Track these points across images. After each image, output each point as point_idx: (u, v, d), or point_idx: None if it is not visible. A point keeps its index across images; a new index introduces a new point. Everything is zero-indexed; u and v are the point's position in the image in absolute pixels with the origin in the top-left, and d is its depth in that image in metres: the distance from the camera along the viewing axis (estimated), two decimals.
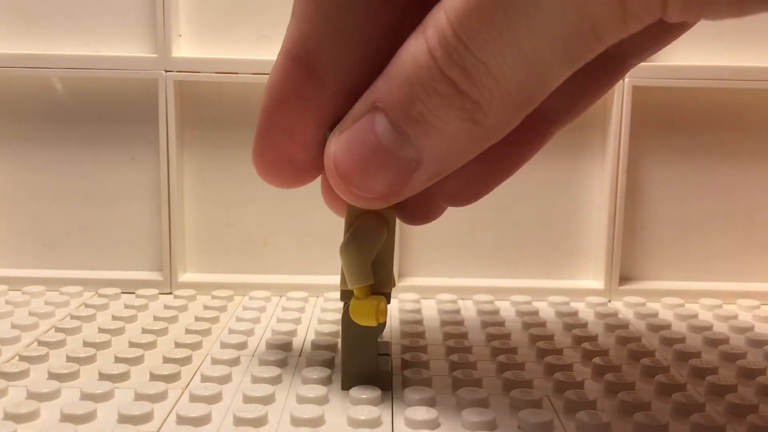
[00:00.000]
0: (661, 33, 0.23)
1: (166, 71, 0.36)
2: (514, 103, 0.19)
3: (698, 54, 0.38)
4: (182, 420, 0.23)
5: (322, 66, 0.22)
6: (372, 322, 0.24)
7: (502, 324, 0.33)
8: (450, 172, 0.21)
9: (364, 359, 0.25)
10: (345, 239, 0.24)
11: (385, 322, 0.25)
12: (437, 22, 0.18)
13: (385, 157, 0.20)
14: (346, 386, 0.25)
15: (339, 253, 0.24)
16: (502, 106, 0.19)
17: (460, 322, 0.33)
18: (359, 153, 0.21)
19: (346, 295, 0.25)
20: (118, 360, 0.28)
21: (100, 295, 0.36)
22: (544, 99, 0.19)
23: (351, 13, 0.21)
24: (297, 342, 0.30)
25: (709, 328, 0.33)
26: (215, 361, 0.28)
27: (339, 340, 0.28)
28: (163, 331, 0.31)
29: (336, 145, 0.21)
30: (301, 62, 0.22)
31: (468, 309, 0.36)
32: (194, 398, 0.24)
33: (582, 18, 0.17)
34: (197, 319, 0.33)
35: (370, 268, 0.24)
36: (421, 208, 0.26)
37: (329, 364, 0.27)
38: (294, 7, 0.22)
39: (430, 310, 0.35)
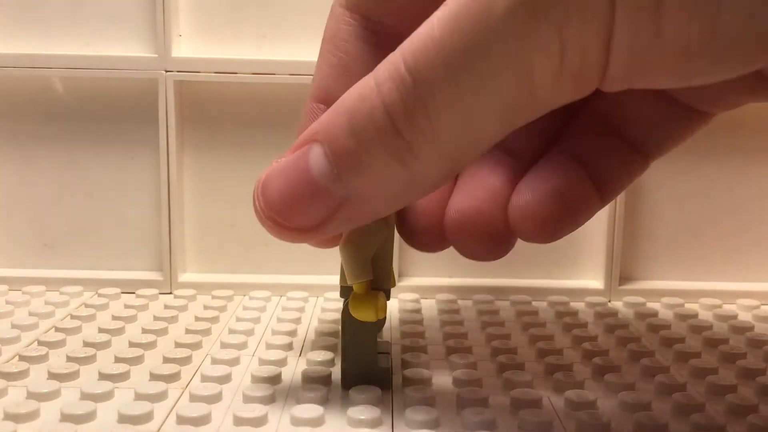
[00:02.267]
0: (677, 126, 0.25)
1: (166, 71, 0.36)
2: (443, 154, 0.19)
3: None
4: (182, 420, 0.23)
5: (371, 10, 0.23)
6: (371, 318, 0.24)
7: (502, 324, 0.33)
8: (373, 218, 0.21)
9: (364, 357, 0.25)
10: (345, 236, 0.24)
11: (384, 319, 0.25)
12: (391, 60, 0.19)
13: (311, 188, 0.20)
14: (346, 385, 0.25)
15: (339, 249, 0.24)
16: (431, 153, 0.19)
17: (460, 322, 0.33)
18: (288, 181, 0.21)
19: (345, 292, 0.25)
20: (118, 360, 0.28)
21: (100, 295, 0.36)
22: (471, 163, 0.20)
23: (365, 61, 0.23)
24: (297, 342, 0.30)
25: (709, 328, 0.33)
26: (215, 361, 0.28)
27: (339, 339, 0.28)
28: (163, 331, 0.31)
29: (269, 170, 0.21)
30: (323, 102, 0.23)
31: (468, 309, 0.36)
32: (194, 398, 0.24)
33: (521, 70, 0.17)
34: (197, 319, 0.33)
35: (370, 263, 0.24)
36: (433, 239, 0.26)
37: (329, 364, 0.28)
38: (318, 59, 0.24)
39: (430, 310, 0.35)
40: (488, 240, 0.24)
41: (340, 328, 0.26)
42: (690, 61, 0.17)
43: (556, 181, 0.23)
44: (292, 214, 0.21)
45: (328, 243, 0.24)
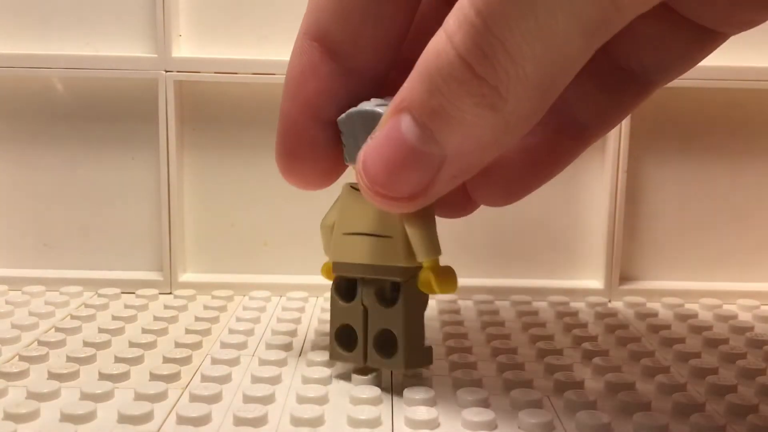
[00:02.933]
0: (683, 49, 0.23)
1: (166, 71, 0.36)
2: (533, 87, 0.18)
3: None
4: (182, 420, 0.23)
5: (336, 43, 0.22)
6: (455, 288, 0.25)
7: (502, 324, 0.33)
8: (476, 170, 0.21)
9: (420, 337, 0.25)
10: (417, 211, 0.23)
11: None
12: (458, 8, 0.18)
13: (410, 154, 0.20)
14: (413, 364, 0.25)
15: (410, 224, 0.24)
16: (521, 90, 0.18)
17: (460, 322, 0.33)
18: (385, 153, 0.20)
19: (409, 272, 0.24)
20: (118, 360, 0.28)
21: (100, 295, 0.36)
22: (562, 102, 0.19)
23: None
24: (297, 342, 0.30)
25: (709, 328, 0.33)
26: (215, 361, 0.28)
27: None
28: (163, 331, 0.31)
29: (365, 149, 0.21)
30: (316, 40, 0.23)
31: (468, 309, 0.36)
32: (194, 398, 0.24)
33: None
34: (197, 319, 0.33)
35: None
36: (454, 202, 0.26)
37: (329, 364, 0.27)
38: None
39: (430, 310, 0.35)
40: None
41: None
42: None
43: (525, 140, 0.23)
44: (398, 184, 0.21)
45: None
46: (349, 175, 0.26)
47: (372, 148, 0.21)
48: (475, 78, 0.18)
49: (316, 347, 0.29)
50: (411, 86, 0.20)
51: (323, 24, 0.23)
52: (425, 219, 0.24)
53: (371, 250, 0.25)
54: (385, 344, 0.25)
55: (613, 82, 0.24)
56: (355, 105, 0.24)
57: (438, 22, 0.19)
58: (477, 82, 0.18)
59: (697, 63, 0.24)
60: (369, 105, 0.23)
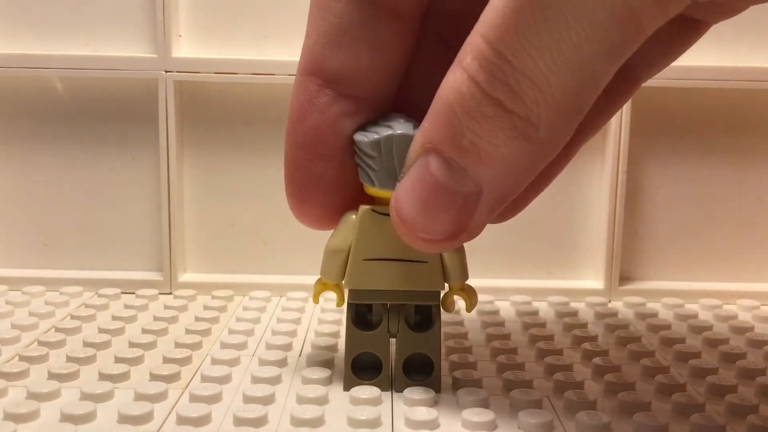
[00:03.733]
0: (668, 42, 0.23)
1: (166, 71, 0.36)
2: (564, 110, 0.18)
3: (698, 54, 0.37)
4: (182, 420, 0.23)
5: (332, 71, 0.22)
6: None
7: (502, 324, 0.33)
8: (513, 197, 0.21)
9: None
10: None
11: None
12: (475, 47, 0.18)
13: (445, 195, 0.20)
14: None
15: (458, 251, 0.25)
16: (552, 116, 0.18)
17: (460, 323, 0.33)
18: (419, 195, 0.20)
19: (439, 296, 0.25)
20: (118, 360, 0.28)
21: (100, 295, 0.36)
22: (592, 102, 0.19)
23: (355, 24, 0.21)
24: (297, 342, 0.30)
25: (709, 328, 0.33)
26: (215, 361, 0.28)
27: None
28: (163, 331, 0.31)
29: (397, 192, 0.21)
30: (312, 74, 0.23)
31: None
32: (194, 398, 0.24)
33: (619, 5, 0.16)
34: (197, 319, 0.33)
35: None
36: None
37: (329, 364, 0.27)
38: (307, 29, 0.23)
39: None
40: None
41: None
42: None
43: None
44: (436, 225, 0.20)
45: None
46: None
47: (402, 194, 0.21)
48: (506, 112, 0.18)
49: (316, 347, 0.29)
50: (434, 125, 0.19)
51: (317, 55, 0.22)
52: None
53: (403, 276, 0.25)
54: (410, 369, 0.26)
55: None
56: (366, 128, 0.23)
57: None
58: (508, 116, 0.18)
59: (680, 55, 0.24)
60: (399, 126, 0.23)
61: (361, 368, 0.26)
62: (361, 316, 0.26)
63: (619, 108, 0.25)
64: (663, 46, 0.23)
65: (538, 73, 0.17)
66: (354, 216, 0.25)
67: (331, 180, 0.24)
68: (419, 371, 0.26)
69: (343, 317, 0.33)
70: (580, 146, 0.25)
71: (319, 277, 0.26)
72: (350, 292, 0.25)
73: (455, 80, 0.19)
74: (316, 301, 0.26)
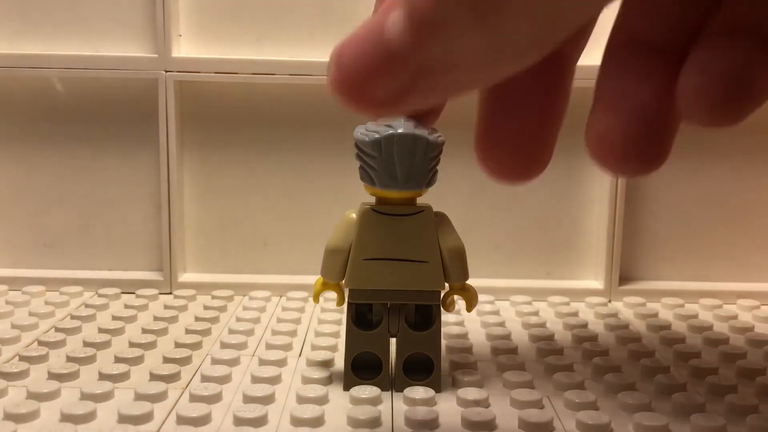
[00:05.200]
0: None
1: (166, 71, 0.36)
2: (534, 10, 0.17)
3: None
4: (182, 420, 0.23)
5: None
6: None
7: (502, 324, 0.33)
8: (453, 92, 0.19)
9: None
10: (456, 238, 0.25)
11: None
12: None
13: (386, 53, 0.18)
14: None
15: (452, 250, 0.25)
16: (519, 7, 0.16)
17: (460, 323, 0.33)
18: (362, 45, 0.19)
19: (440, 295, 0.26)
20: (118, 360, 0.28)
21: (100, 295, 0.36)
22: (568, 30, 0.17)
23: None
24: (297, 342, 0.30)
25: (709, 328, 0.33)
26: (215, 361, 0.28)
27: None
28: (163, 331, 0.31)
29: (345, 38, 0.19)
30: None
31: None
32: (194, 398, 0.24)
33: None
34: (197, 319, 0.33)
35: None
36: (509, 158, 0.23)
37: (329, 364, 0.27)
38: None
39: None
40: (639, 161, 0.21)
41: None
42: None
43: (730, 58, 0.19)
44: (367, 83, 0.19)
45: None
46: (361, 196, 0.25)
47: (351, 37, 0.19)
48: None
49: (316, 347, 0.29)
50: None
51: None
52: (461, 244, 0.25)
53: (405, 276, 0.25)
54: (411, 369, 0.26)
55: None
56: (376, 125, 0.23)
57: None
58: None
59: None
60: (400, 125, 0.23)
61: (361, 368, 0.26)
62: (361, 316, 0.26)
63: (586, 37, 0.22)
64: None
65: None
66: (354, 215, 0.25)
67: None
68: (419, 371, 0.26)
69: (344, 317, 0.33)
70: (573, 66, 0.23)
71: (319, 276, 0.26)
72: (350, 291, 0.25)
73: None
74: (316, 300, 0.26)
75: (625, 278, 0.39)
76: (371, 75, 0.19)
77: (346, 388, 0.25)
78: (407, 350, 0.25)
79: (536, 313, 0.35)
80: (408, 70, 0.18)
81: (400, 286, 0.25)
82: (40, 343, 0.29)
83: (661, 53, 0.21)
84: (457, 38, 0.17)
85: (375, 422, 0.23)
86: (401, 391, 0.25)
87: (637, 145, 0.20)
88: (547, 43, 0.18)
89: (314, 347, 0.29)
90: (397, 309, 0.25)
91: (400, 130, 0.23)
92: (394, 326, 0.25)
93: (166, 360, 0.28)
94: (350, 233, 0.25)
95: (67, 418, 0.23)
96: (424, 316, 0.26)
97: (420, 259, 0.24)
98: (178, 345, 0.29)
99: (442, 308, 0.26)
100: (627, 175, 0.22)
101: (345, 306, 0.26)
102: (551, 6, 0.17)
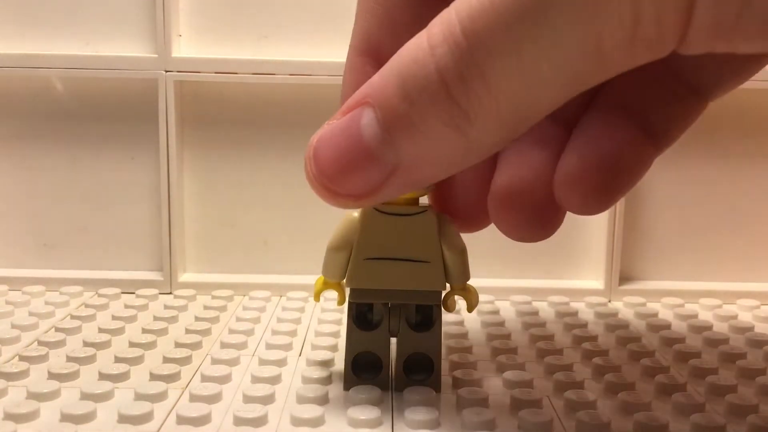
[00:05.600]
0: (740, 65, 0.22)
1: (166, 71, 0.36)
2: (502, 121, 0.18)
3: None
4: (182, 420, 0.23)
5: (386, 55, 0.22)
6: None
7: (502, 324, 0.33)
8: (426, 184, 0.21)
9: None
10: (458, 238, 0.25)
11: None
12: (446, 20, 0.18)
13: (364, 154, 0.20)
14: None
15: (454, 251, 0.25)
16: (489, 121, 0.18)
17: (460, 322, 0.33)
18: (340, 146, 0.20)
19: (440, 296, 0.25)
20: (118, 360, 0.28)
21: (100, 295, 0.36)
22: (531, 126, 0.19)
23: (410, 5, 0.21)
24: (297, 342, 0.30)
25: (709, 328, 0.33)
26: (215, 361, 0.28)
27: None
28: (163, 331, 0.31)
29: (320, 135, 0.21)
30: (367, 55, 0.23)
31: None
32: (194, 398, 0.24)
33: (588, 37, 0.16)
34: (197, 319, 0.33)
35: None
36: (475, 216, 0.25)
37: (329, 364, 0.27)
38: (357, 8, 0.23)
39: None
40: (533, 218, 0.23)
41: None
42: None
43: (606, 145, 0.21)
44: (345, 181, 0.20)
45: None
46: None
47: (326, 136, 0.20)
48: (449, 98, 0.18)
49: (316, 347, 0.29)
50: (381, 83, 0.19)
51: (373, 39, 0.22)
52: (463, 245, 0.25)
53: (406, 276, 0.25)
54: (411, 368, 0.26)
55: (677, 93, 0.23)
56: None
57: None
58: (449, 103, 0.18)
59: (754, 74, 0.22)
60: None
61: (362, 368, 0.26)
62: (362, 316, 0.26)
63: (688, 127, 0.23)
64: (730, 67, 0.22)
65: (492, 74, 0.17)
66: (356, 214, 0.25)
67: None
68: (419, 371, 0.26)
69: (344, 317, 0.33)
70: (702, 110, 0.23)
71: (320, 275, 0.26)
72: (351, 291, 0.25)
73: (417, 46, 0.18)
74: (317, 299, 0.26)
75: (625, 278, 0.39)
76: (348, 172, 0.20)
77: (346, 387, 0.25)
78: (407, 350, 0.25)
79: (536, 313, 0.35)
80: (383, 168, 0.20)
81: (401, 286, 0.25)
82: (40, 343, 0.29)
83: (559, 121, 0.23)
84: (431, 141, 0.19)
85: (375, 422, 0.23)
86: (401, 391, 0.25)
87: (532, 213, 0.23)
88: (514, 137, 0.19)
89: (314, 347, 0.29)
90: (398, 309, 0.25)
91: None
92: (395, 326, 0.25)
93: (166, 360, 0.28)
94: (352, 232, 0.25)
95: (67, 418, 0.23)
96: (425, 316, 0.26)
97: (422, 259, 0.24)
98: (178, 345, 0.29)
99: (442, 308, 0.25)
100: (520, 237, 0.24)
101: (345, 306, 0.26)
102: (518, 115, 0.18)
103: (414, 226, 0.24)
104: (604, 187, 0.22)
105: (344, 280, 0.25)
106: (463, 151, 0.19)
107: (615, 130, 0.22)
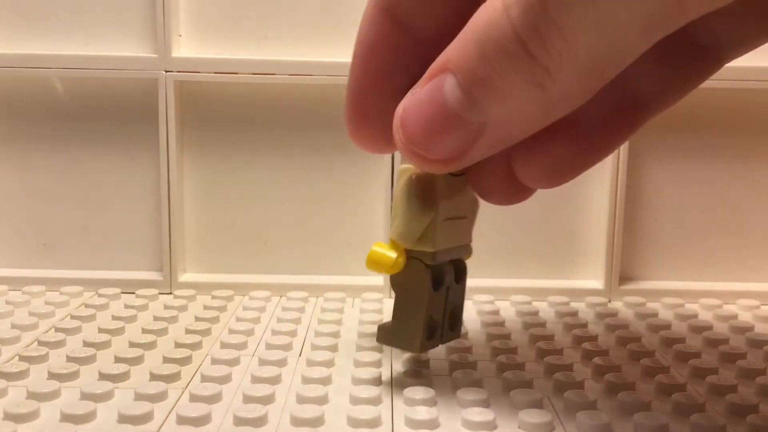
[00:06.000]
0: (758, 24, 0.22)
1: (166, 71, 0.36)
2: (584, 71, 0.18)
3: None
4: (182, 420, 0.23)
5: (408, 15, 0.22)
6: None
7: (502, 324, 0.33)
8: (515, 141, 0.21)
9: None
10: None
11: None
12: None
13: (450, 119, 0.20)
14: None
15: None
16: (571, 74, 0.18)
17: None
18: (426, 113, 0.20)
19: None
20: (118, 360, 0.28)
21: (100, 295, 0.36)
22: (622, 75, 0.18)
23: None
24: (297, 342, 0.30)
25: (709, 328, 0.33)
26: (215, 361, 0.28)
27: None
28: (163, 331, 0.31)
29: (405, 105, 0.21)
30: (388, 12, 0.23)
31: (468, 309, 0.36)
32: (194, 398, 0.24)
33: None
34: (197, 319, 0.33)
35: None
36: (505, 188, 0.26)
37: (330, 364, 0.27)
38: None
39: None
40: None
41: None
42: None
43: (548, 156, 0.23)
44: (435, 146, 0.21)
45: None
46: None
47: (413, 105, 0.21)
48: (528, 56, 0.18)
49: (316, 347, 0.29)
50: (460, 48, 0.19)
51: None
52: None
53: (462, 231, 0.26)
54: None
55: (681, 55, 0.23)
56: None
57: None
58: (528, 60, 0.18)
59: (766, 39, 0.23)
60: None
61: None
62: (438, 278, 0.26)
63: (692, 89, 0.24)
64: (755, 27, 0.22)
65: (569, 27, 0.17)
66: (426, 177, 0.25)
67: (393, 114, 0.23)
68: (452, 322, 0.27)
69: (343, 317, 0.33)
70: (645, 120, 0.24)
71: (378, 248, 0.25)
72: (428, 254, 0.25)
73: (490, 8, 0.18)
74: (400, 268, 0.25)
75: (625, 278, 0.39)
76: (438, 138, 0.20)
77: (423, 350, 0.26)
78: (451, 304, 0.26)
79: (536, 313, 0.35)
80: (471, 131, 0.20)
81: (460, 242, 0.26)
82: (40, 343, 0.29)
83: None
84: (515, 100, 0.19)
85: (375, 422, 0.23)
86: (448, 341, 0.27)
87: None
88: (598, 87, 0.19)
89: (314, 347, 0.29)
90: (450, 265, 0.26)
91: None
92: (450, 282, 0.26)
93: (166, 360, 0.28)
94: (433, 195, 0.24)
95: (67, 418, 0.23)
96: (456, 269, 0.27)
97: (465, 215, 0.26)
98: (178, 345, 0.29)
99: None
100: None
101: (389, 278, 0.26)
102: (600, 65, 0.18)
103: (463, 185, 0.25)
104: (554, 182, 0.24)
105: (423, 246, 0.25)
106: (547, 106, 0.19)
107: (559, 136, 0.23)
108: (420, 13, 0.22)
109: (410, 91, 0.21)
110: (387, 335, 0.26)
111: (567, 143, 0.21)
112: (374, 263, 0.25)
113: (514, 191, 0.25)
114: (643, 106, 0.24)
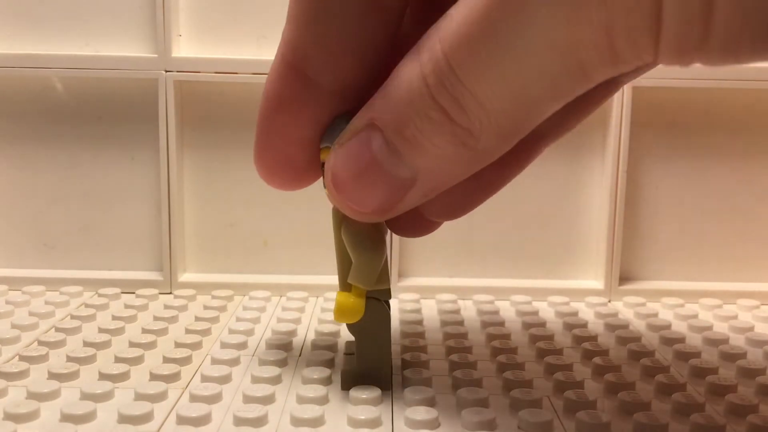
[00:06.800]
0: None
1: (166, 71, 0.36)
2: (505, 132, 0.19)
3: None
4: (182, 420, 0.23)
5: (315, 70, 0.22)
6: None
7: (502, 324, 0.33)
8: (447, 187, 0.21)
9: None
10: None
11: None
12: (431, 49, 0.18)
13: (379, 174, 0.21)
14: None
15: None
16: (492, 134, 0.19)
17: (460, 322, 0.33)
18: (355, 167, 0.21)
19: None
20: (118, 360, 0.28)
21: (100, 295, 0.36)
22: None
23: (341, 17, 0.21)
24: (297, 342, 0.30)
25: (709, 328, 0.33)
26: (215, 361, 0.28)
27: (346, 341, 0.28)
28: (163, 331, 0.31)
29: (335, 158, 0.22)
30: (294, 67, 0.23)
31: (468, 309, 0.36)
32: (194, 398, 0.24)
33: (570, 58, 0.17)
34: (197, 319, 0.33)
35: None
36: (411, 224, 0.26)
37: (329, 364, 0.27)
38: (288, 12, 0.23)
39: (430, 310, 0.35)
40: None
41: (343, 328, 0.26)
42: (739, 44, 0.15)
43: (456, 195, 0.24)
44: (368, 199, 0.21)
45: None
46: None
47: (342, 161, 0.21)
48: (450, 121, 0.19)
49: (316, 347, 0.29)
50: (384, 108, 0.20)
51: (300, 51, 0.22)
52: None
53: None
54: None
55: None
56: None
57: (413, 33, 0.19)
58: (450, 125, 0.19)
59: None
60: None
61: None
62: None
63: (596, 108, 0.25)
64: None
65: (483, 96, 0.18)
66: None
67: (302, 161, 0.24)
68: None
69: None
70: (544, 149, 0.25)
71: (343, 292, 0.25)
72: (387, 290, 0.25)
73: (410, 73, 0.19)
74: (356, 319, 0.25)
75: (625, 278, 0.39)
76: (371, 194, 0.21)
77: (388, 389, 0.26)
78: None
79: (536, 313, 0.35)
80: (403, 185, 0.21)
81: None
82: (40, 343, 0.29)
83: None
84: (441, 157, 0.20)
85: (375, 422, 0.23)
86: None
87: None
88: (518, 139, 0.20)
89: (314, 347, 0.29)
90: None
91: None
92: None
93: (166, 360, 0.28)
94: (381, 234, 0.25)
95: (67, 418, 0.23)
96: None
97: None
98: (178, 345, 0.29)
99: None
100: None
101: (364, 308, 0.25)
102: (518, 125, 0.19)
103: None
104: (462, 213, 0.26)
105: (378, 286, 0.25)
106: (474, 160, 0.20)
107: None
108: (328, 70, 0.22)
109: (336, 141, 0.22)
110: (354, 379, 0.25)
111: (468, 182, 0.22)
112: (346, 314, 0.24)
113: (422, 226, 0.27)
114: (542, 136, 0.25)
